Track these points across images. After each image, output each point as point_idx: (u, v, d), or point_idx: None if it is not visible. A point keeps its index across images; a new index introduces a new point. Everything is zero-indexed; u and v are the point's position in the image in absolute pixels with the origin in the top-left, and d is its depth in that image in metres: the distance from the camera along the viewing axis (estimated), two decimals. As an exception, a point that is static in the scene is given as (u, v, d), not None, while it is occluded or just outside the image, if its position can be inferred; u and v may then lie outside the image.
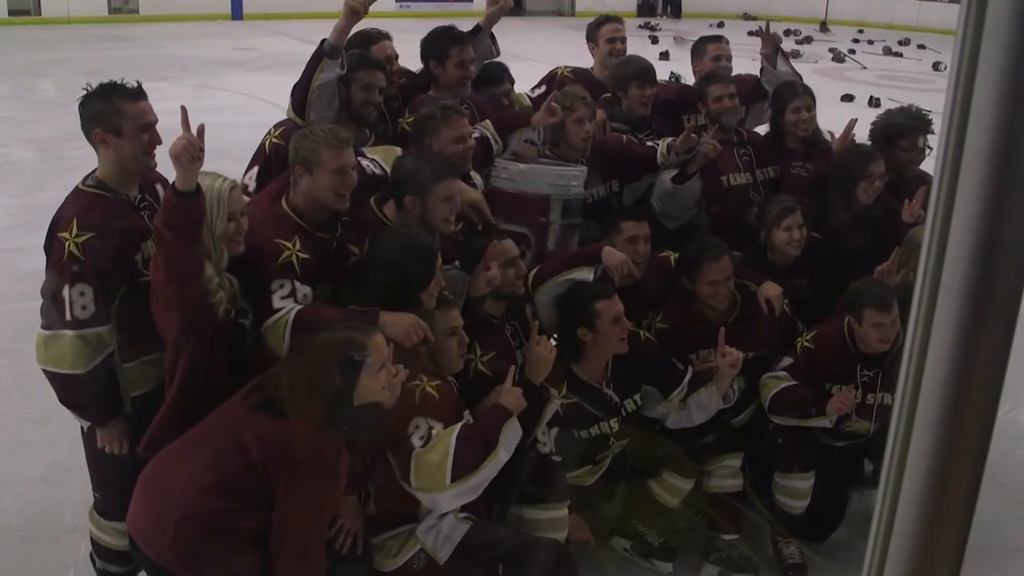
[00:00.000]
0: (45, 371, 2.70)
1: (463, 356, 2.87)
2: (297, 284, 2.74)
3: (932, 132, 3.91)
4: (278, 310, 2.71)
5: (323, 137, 2.83)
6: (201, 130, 2.41)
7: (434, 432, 2.63)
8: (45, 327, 2.68)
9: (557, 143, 3.67)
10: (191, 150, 2.34)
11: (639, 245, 3.36)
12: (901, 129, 3.89)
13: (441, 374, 2.79)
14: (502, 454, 2.63)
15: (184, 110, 2.43)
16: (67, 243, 2.56)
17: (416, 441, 2.61)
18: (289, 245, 2.76)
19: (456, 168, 3.11)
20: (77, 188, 2.71)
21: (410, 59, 4.01)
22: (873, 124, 4.03)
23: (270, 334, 2.72)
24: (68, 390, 2.69)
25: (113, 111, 2.60)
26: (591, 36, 4.40)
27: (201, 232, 2.45)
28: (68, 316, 2.60)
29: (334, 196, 2.83)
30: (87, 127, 2.64)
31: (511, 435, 2.67)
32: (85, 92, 2.68)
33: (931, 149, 3.95)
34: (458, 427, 2.64)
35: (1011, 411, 4.37)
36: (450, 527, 2.70)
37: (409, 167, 3.00)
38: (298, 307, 2.73)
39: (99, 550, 2.98)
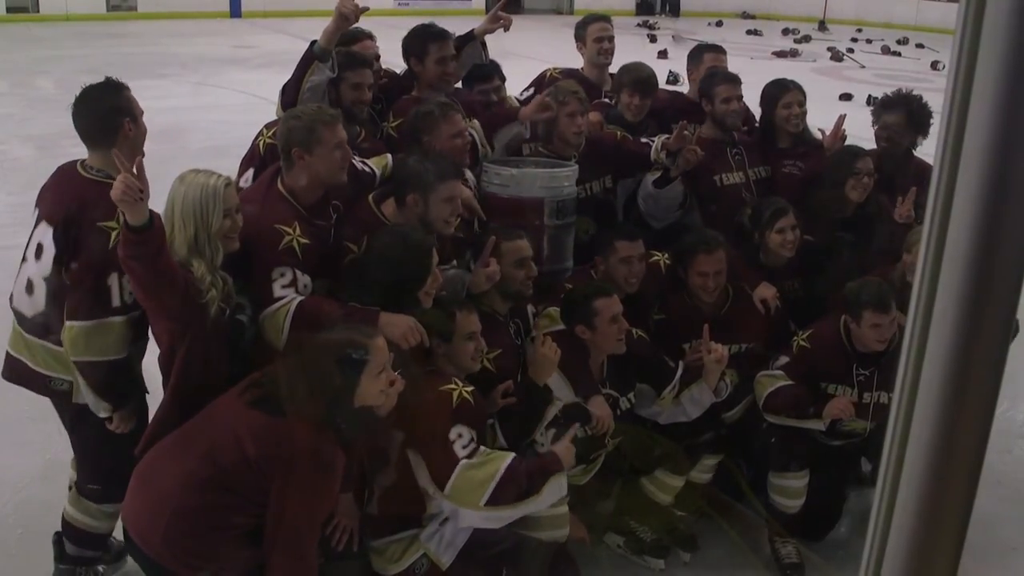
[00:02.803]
0: (82, 363, 2.67)
1: (479, 359, 2.88)
2: (298, 273, 2.74)
3: (931, 119, 3.92)
4: (279, 299, 2.70)
5: (317, 115, 2.86)
6: (139, 166, 2.38)
7: (473, 441, 2.63)
8: (84, 318, 2.64)
9: (550, 139, 3.68)
10: (131, 193, 2.33)
11: (633, 265, 3.35)
12: (898, 110, 3.93)
13: (465, 380, 2.80)
14: (542, 501, 2.65)
15: (117, 155, 2.42)
16: (114, 232, 2.54)
17: (460, 450, 2.61)
18: (289, 230, 2.76)
19: (459, 169, 3.12)
20: (94, 180, 2.68)
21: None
22: (873, 107, 4.10)
23: (269, 323, 2.71)
24: (110, 376, 2.70)
25: (128, 103, 2.71)
26: (579, 35, 4.37)
27: (165, 254, 2.46)
28: (117, 303, 2.64)
29: (336, 171, 2.87)
30: (114, 118, 2.67)
31: (556, 489, 2.68)
32: (96, 87, 2.75)
33: (926, 136, 3.96)
34: (511, 456, 2.65)
35: (1009, 409, 4.38)
36: (453, 533, 2.70)
37: (413, 165, 3.01)
38: (300, 298, 2.72)
39: (78, 536, 2.98)
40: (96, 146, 2.72)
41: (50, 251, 2.68)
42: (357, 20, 3.37)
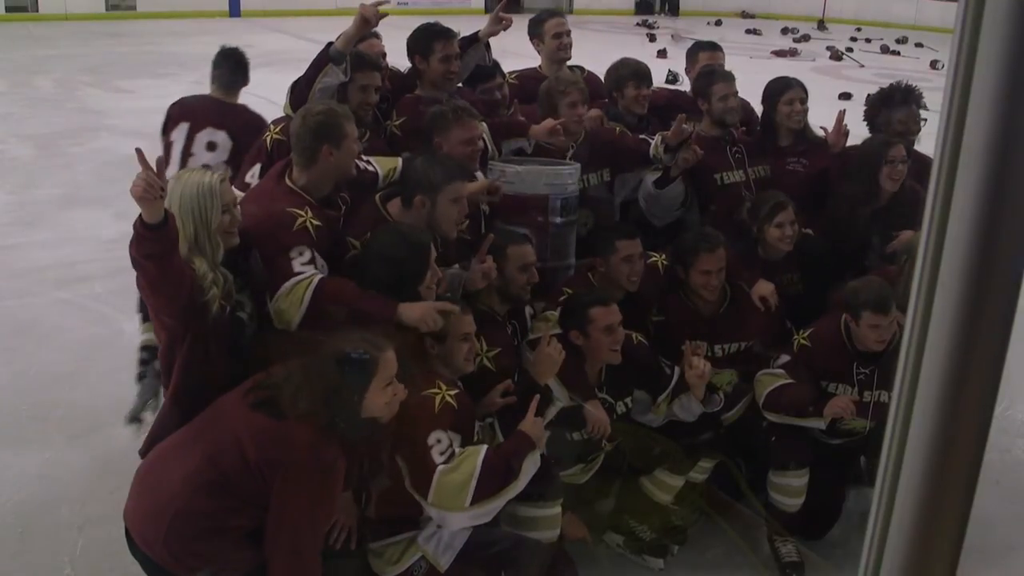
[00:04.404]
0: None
1: (473, 360, 2.88)
2: (316, 253, 2.75)
3: (926, 108, 3.95)
4: (299, 273, 2.70)
5: (341, 111, 2.94)
6: (160, 164, 2.42)
7: (455, 446, 2.63)
8: None
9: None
10: (152, 191, 2.34)
11: (635, 263, 3.37)
12: (893, 100, 3.95)
13: (455, 380, 2.79)
14: (521, 483, 2.65)
15: (139, 151, 2.41)
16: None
17: (437, 456, 2.59)
18: (302, 213, 2.78)
19: (467, 171, 3.13)
20: (237, 105, 3.94)
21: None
22: (867, 102, 4.12)
23: (286, 298, 2.68)
24: None
25: None
26: (535, 33, 4.31)
27: (177, 253, 2.46)
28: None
29: (353, 164, 2.98)
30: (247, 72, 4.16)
31: (531, 466, 2.68)
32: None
33: (926, 121, 3.99)
34: (483, 450, 2.63)
35: (1008, 408, 4.37)
36: (451, 534, 2.70)
37: (421, 167, 3.02)
38: (321, 274, 2.73)
39: None
40: (231, 90, 4.07)
41: (226, 144, 3.85)
42: (377, 24, 3.36)
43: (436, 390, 2.66)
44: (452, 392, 2.69)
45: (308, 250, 2.74)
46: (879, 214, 3.71)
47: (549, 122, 3.60)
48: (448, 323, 2.77)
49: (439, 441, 2.61)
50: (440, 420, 2.63)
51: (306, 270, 2.71)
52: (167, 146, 3.98)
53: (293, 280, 2.69)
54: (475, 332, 2.89)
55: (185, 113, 4.01)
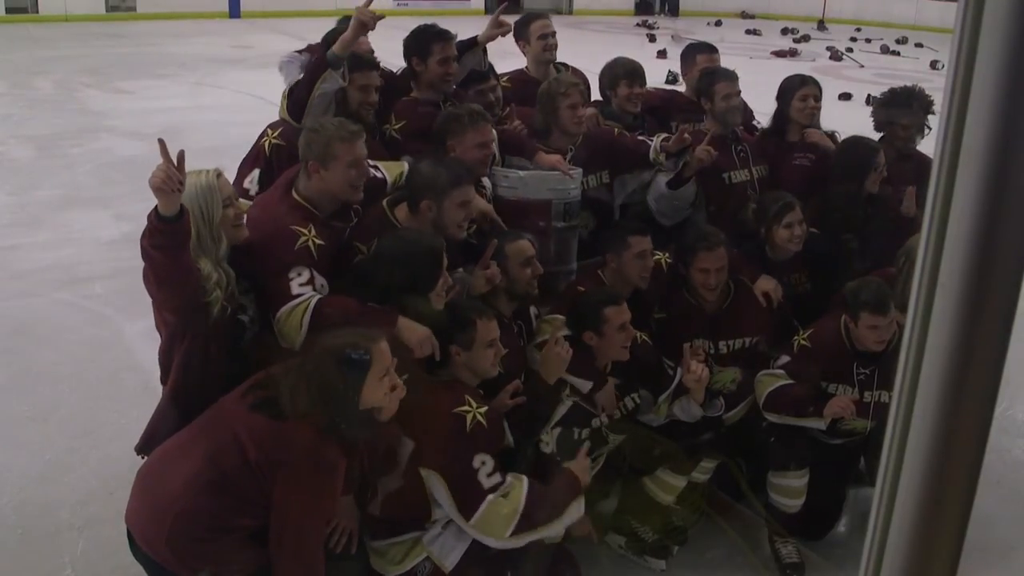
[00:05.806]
0: None
1: (497, 365, 2.87)
2: (315, 273, 2.74)
3: (933, 112, 3.98)
4: (297, 296, 2.70)
5: (335, 131, 2.86)
6: (181, 157, 2.40)
7: (496, 469, 2.63)
8: None
9: (549, 132, 3.70)
10: (171, 183, 2.35)
11: (647, 259, 3.38)
12: (901, 105, 3.99)
13: (477, 390, 2.79)
14: (563, 524, 2.68)
15: (162, 142, 2.41)
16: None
17: (485, 480, 2.60)
18: (304, 231, 2.76)
19: (473, 174, 3.13)
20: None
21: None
22: (875, 102, 4.14)
23: (286, 321, 2.69)
24: None
25: None
26: (520, 35, 4.31)
27: (187, 248, 2.47)
28: None
29: (349, 188, 2.86)
30: None
31: (575, 511, 2.71)
32: None
33: (931, 129, 4.02)
34: (525, 482, 2.65)
35: (1009, 409, 4.38)
36: (456, 536, 2.70)
37: (427, 171, 3.02)
38: (318, 295, 2.72)
39: None
40: None
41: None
42: (375, 27, 3.36)
43: (467, 407, 2.65)
44: (482, 410, 2.68)
45: (307, 270, 2.73)
46: (863, 214, 3.75)
47: (558, 159, 3.60)
48: (475, 331, 2.76)
49: (484, 464, 2.62)
50: (478, 441, 2.63)
51: (304, 291, 2.71)
52: None
53: (291, 304, 2.69)
54: None
55: None
